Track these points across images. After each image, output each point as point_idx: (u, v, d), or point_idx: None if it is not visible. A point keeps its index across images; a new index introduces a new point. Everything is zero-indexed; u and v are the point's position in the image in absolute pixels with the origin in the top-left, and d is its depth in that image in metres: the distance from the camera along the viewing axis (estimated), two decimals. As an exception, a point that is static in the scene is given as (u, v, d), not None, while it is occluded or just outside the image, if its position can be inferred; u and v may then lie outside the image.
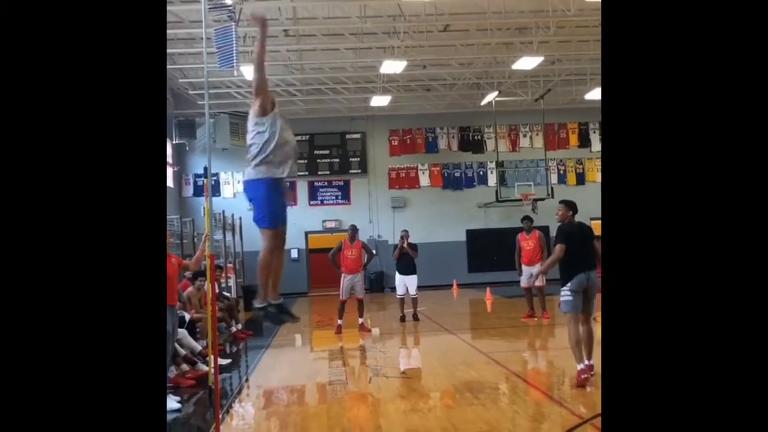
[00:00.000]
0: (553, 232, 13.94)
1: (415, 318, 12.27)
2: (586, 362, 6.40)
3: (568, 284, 6.43)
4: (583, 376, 6.33)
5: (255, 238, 15.24)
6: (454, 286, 19.63)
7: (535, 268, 11.43)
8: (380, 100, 19.53)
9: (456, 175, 22.52)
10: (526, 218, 12.16)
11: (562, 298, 6.54)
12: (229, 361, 8.89)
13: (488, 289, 16.32)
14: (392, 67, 15.83)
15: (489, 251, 21.28)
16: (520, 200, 20.00)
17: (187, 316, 8.70)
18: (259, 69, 4.50)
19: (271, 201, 4.42)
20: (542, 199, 19.68)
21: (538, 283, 11.40)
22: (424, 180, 22.45)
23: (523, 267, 11.66)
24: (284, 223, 4.57)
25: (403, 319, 12.31)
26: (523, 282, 11.75)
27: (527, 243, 11.69)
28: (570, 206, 6.82)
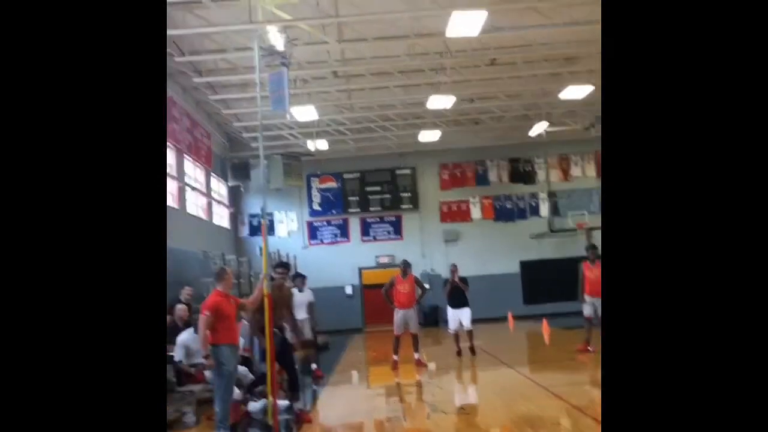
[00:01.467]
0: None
1: (473, 352, 12.13)
2: None
3: None
4: None
5: (309, 276, 15.09)
6: (510, 319, 19.37)
7: (598, 299, 11.05)
8: (429, 135, 19.68)
9: (508, 206, 22.39)
10: (592, 247, 11.82)
11: None
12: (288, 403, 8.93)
13: (545, 320, 16.04)
14: (440, 102, 15.98)
15: (545, 282, 20.97)
16: (574, 230, 19.71)
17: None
18: None
19: None
20: (597, 228, 19.36)
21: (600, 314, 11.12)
22: (476, 213, 22.40)
23: (587, 297, 11.33)
24: None
25: (459, 353, 12.20)
26: (585, 311, 11.42)
27: (591, 272, 11.26)
28: None
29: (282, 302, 7.55)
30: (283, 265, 7.95)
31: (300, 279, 11.57)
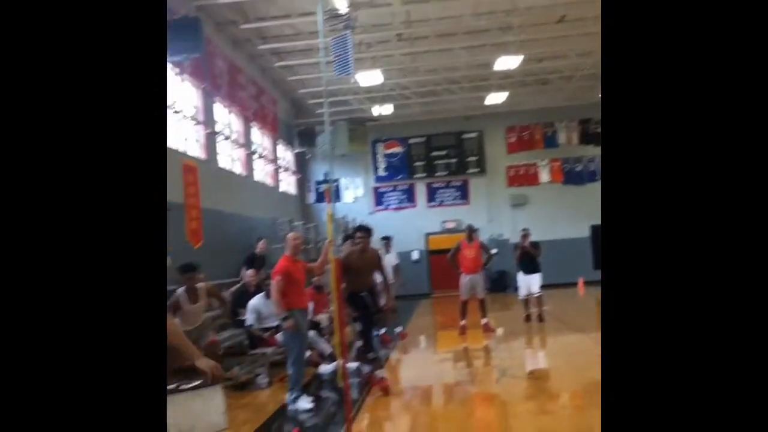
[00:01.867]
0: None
1: (540, 319, 11.98)
2: None
3: None
4: None
5: (375, 242, 15.27)
6: (580, 284, 18.99)
7: None
8: (496, 98, 19.28)
9: (577, 169, 21.81)
10: None
11: None
12: (357, 364, 9.05)
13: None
14: (507, 63, 15.58)
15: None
16: (648, 193, 19.04)
17: (323, 318, 9.00)
18: None
19: None
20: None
21: None
22: (544, 176, 21.92)
23: None
24: None
25: (528, 318, 12.06)
26: None
27: None
28: None
29: (368, 265, 7.46)
30: (364, 229, 7.87)
31: (387, 241, 11.86)
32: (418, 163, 22.03)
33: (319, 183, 22.04)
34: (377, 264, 7.65)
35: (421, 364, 9.16)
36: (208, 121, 13.17)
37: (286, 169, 20.21)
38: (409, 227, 21.59)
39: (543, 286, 12.12)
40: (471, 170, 21.89)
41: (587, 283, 19.14)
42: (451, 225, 21.56)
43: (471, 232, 11.33)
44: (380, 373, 7.34)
